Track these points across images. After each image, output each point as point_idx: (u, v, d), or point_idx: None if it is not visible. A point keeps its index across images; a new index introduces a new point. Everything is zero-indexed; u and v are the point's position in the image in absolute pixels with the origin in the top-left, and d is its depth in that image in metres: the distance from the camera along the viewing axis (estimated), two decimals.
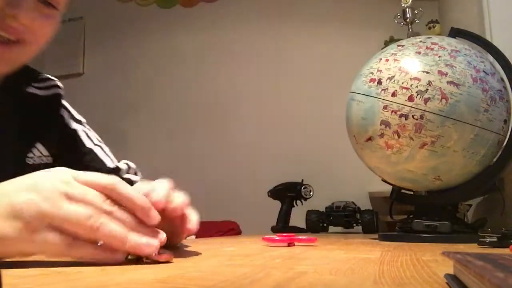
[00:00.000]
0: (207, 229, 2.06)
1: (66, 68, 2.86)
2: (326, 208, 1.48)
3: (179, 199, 0.46)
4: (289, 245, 0.67)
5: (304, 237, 0.71)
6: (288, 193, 1.55)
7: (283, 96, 2.47)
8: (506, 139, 0.84)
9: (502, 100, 0.81)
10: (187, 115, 2.61)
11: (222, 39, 2.63)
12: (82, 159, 0.72)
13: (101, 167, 0.72)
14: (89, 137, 0.76)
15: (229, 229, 2.08)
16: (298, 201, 1.56)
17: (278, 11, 2.56)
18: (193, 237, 1.83)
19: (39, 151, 0.67)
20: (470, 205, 1.22)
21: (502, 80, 0.85)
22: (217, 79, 2.60)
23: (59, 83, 0.76)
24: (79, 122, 0.77)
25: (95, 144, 0.75)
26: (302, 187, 1.54)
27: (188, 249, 0.60)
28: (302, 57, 2.48)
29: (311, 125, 2.38)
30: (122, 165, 0.76)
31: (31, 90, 0.70)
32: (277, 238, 0.69)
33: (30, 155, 0.65)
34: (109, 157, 0.75)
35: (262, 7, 2.59)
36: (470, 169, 0.82)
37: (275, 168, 2.23)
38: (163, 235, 0.40)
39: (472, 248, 0.64)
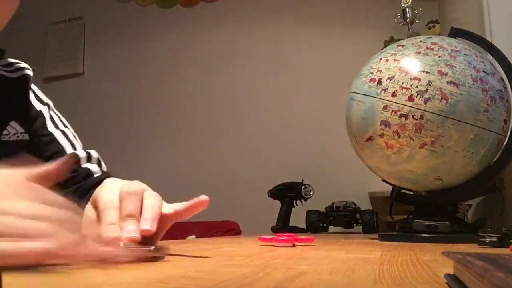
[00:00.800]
0: (207, 229, 2.05)
1: (66, 68, 2.85)
2: (326, 208, 1.49)
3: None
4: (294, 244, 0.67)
5: (302, 237, 0.71)
6: (288, 193, 1.55)
7: (283, 96, 2.47)
8: (506, 139, 0.84)
9: (502, 100, 0.81)
10: (187, 115, 2.61)
11: (222, 39, 2.63)
12: (41, 142, 0.70)
13: (59, 150, 0.70)
14: (53, 120, 0.74)
15: (229, 229, 2.08)
16: (298, 201, 1.56)
17: (278, 11, 2.56)
18: (193, 237, 1.83)
19: (14, 129, 0.67)
20: (470, 205, 1.22)
21: (502, 80, 0.85)
22: (217, 79, 2.60)
23: (28, 66, 0.76)
24: (45, 104, 0.75)
25: (58, 128, 0.73)
26: (302, 187, 1.54)
27: (188, 249, 0.60)
28: (302, 57, 2.47)
29: (311, 125, 2.37)
30: (82, 153, 0.71)
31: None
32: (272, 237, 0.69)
33: (5, 132, 0.66)
34: (70, 142, 0.72)
35: (262, 7, 2.59)
36: (470, 169, 0.82)
37: (275, 168, 2.23)
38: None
39: (472, 248, 0.64)
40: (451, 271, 0.29)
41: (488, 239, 0.64)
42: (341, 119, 0.97)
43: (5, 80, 0.70)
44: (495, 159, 0.85)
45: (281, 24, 2.54)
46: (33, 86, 0.76)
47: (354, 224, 1.44)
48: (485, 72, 0.81)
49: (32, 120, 0.71)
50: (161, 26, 2.75)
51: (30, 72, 0.75)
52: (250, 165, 2.41)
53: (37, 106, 0.74)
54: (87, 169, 0.68)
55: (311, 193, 1.54)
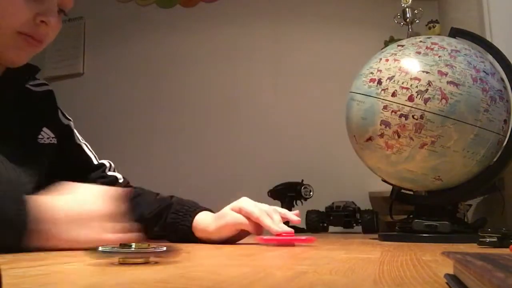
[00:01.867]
0: None
1: (66, 68, 2.85)
2: (326, 208, 1.48)
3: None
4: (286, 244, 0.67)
5: (303, 237, 0.71)
6: (288, 193, 1.55)
7: (283, 96, 2.47)
8: (506, 139, 0.84)
9: (502, 100, 0.81)
10: (187, 115, 2.61)
11: (222, 39, 2.63)
12: (73, 152, 0.84)
13: (88, 160, 0.84)
14: (76, 134, 0.87)
15: None
16: (298, 201, 1.56)
17: (278, 11, 2.55)
18: None
19: (47, 134, 0.78)
20: (470, 205, 1.22)
21: (502, 80, 0.85)
22: (217, 79, 2.60)
23: (45, 82, 0.86)
24: (69, 120, 0.87)
25: (81, 141, 0.87)
26: (302, 187, 1.54)
27: (188, 249, 0.60)
28: (302, 57, 2.47)
29: (311, 125, 2.37)
30: (106, 162, 0.87)
31: (27, 85, 0.79)
32: (273, 238, 0.69)
33: (40, 136, 0.76)
34: (92, 153, 0.87)
35: (262, 7, 2.58)
36: (470, 169, 0.82)
37: (275, 168, 2.23)
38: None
39: (472, 248, 0.64)
40: (451, 271, 0.29)
41: (488, 239, 0.64)
42: (341, 119, 0.97)
43: (33, 94, 0.80)
44: (495, 159, 0.85)
45: (281, 24, 2.54)
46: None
47: (354, 224, 1.44)
48: (485, 72, 0.81)
49: (63, 131, 0.83)
50: (161, 26, 2.75)
51: (50, 87, 0.86)
52: (250, 165, 2.41)
53: (64, 121, 0.85)
54: (114, 176, 0.86)
55: (311, 193, 1.54)
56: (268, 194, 1.58)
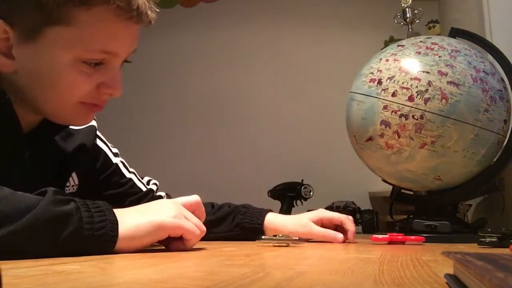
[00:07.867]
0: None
1: None
2: (326, 208, 1.48)
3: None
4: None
5: (412, 237, 0.74)
6: (288, 193, 1.55)
7: (283, 96, 2.47)
8: (506, 139, 0.84)
9: (502, 100, 0.81)
10: (187, 115, 2.61)
11: (222, 39, 2.63)
12: (123, 187, 0.84)
13: (138, 191, 0.85)
14: (125, 166, 0.86)
15: None
16: (298, 201, 1.56)
17: (278, 11, 2.56)
18: None
19: (73, 181, 0.74)
20: (470, 205, 1.22)
21: (502, 80, 0.85)
22: (217, 79, 2.60)
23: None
24: (116, 155, 0.86)
25: (130, 172, 0.87)
26: (302, 187, 1.54)
27: (188, 249, 0.60)
28: (302, 57, 2.47)
29: (311, 125, 2.37)
30: (152, 186, 0.90)
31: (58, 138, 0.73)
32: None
33: (68, 184, 0.73)
34: (140, 181, 0.88)
35: (261, 7, 2.58)
36: (470, 169, 0.82)
37: (275, 168, 2.23)
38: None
39: (472, 248, 0.64)
40: (451, 271, 0.29)
41: (488, 239, 0.64)
42: (341, 119, 0.97)
43: (71, 136, 0.75)
44: (495, 159, 0.85)
45: (281, 24, 2.54)
46: (101, 135, 0.83)
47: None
48: (485, 72, 0.81)
49: (103, 171, 0.82)
50: (161, 26, 2.75)
51: (95, 123, 0.79)
52: (250, 165, 2.41)
53: (113, 159, 0.83)
54: (160, 196, 0.89)
55: (311, 193, 1.54)
56: (268, 194, 1.58)
